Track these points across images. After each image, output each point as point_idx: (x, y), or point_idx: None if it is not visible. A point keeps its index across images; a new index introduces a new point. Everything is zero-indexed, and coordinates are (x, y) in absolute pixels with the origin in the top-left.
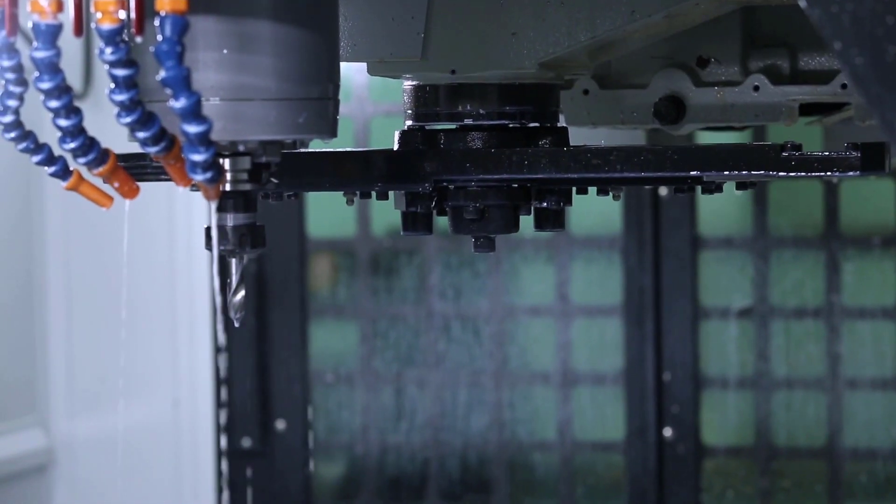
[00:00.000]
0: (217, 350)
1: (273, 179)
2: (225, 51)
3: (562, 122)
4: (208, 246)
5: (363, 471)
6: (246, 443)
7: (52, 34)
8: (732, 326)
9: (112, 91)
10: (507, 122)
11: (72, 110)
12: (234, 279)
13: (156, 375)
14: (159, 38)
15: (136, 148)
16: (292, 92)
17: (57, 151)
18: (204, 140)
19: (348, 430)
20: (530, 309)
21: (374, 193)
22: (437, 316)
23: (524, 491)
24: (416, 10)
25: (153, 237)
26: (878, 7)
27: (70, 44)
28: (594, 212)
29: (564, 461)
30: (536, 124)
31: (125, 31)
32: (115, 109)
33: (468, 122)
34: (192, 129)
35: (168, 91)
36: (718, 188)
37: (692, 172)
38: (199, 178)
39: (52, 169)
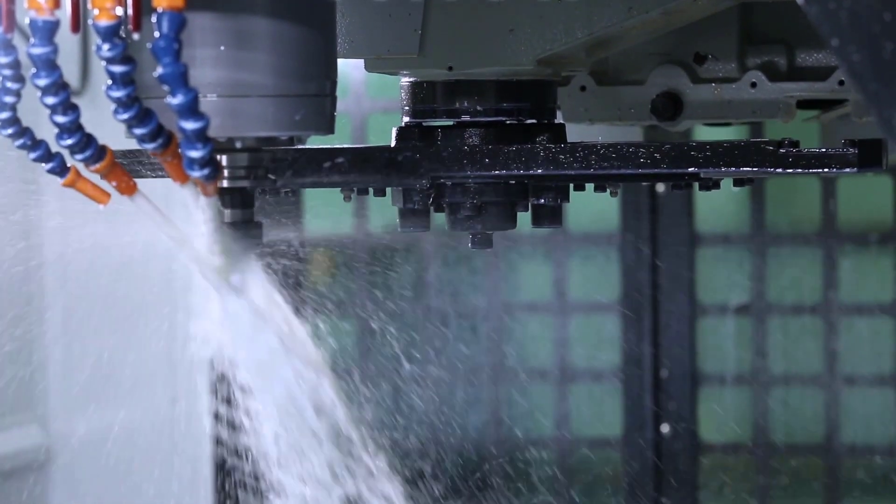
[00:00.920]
0: None
1: (270, 176)
2: (222, 47)
3: (559, 119)
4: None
5: None
6: None
7: (49, 31)
8: (730, 323)
9: (109, 87)
10: (504, 119)
11: (69, 107)
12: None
13: (153, 372)
14: (156, 34)
15: (133, 144)
16: (290, 88)
17: (54, 148)
18: (201, 136)
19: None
20: (528, 305)
21: (371, 190)
22: (434, 312)
23: (522, 487)
24: (414, 6)
25: (150, 234)
26: (876, 4)
27: (67, 40)
28: (591, 209)
29: (562, 457)
30: (534, 120)
31: (122, 27)
32: (113, 106)
33: (465, 118)
34: (190, 125)
35: (165, 87)
36: (716, 185)
37: (690, 169)
38: (196, 174)
39: (50, 165)
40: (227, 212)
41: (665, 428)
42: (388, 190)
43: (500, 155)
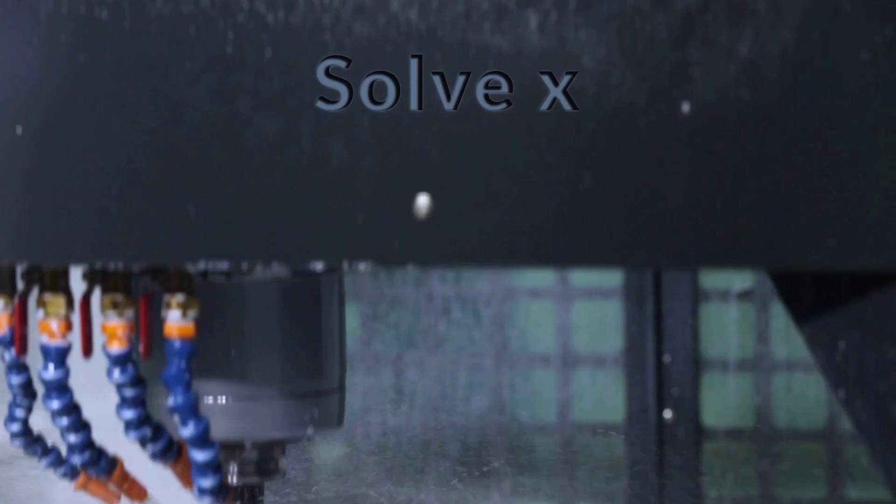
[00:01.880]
0: None
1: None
2: (232, 351)
3: None
4: None
5: (363, 453)
6: None
7: (60, 355)
8: (733, 308)
9: (120, 407)
10: None
11: (80, 426)
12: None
13: None
14: (168, 363)
15: None
16: (299, 390)
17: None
18: (212, 466)
19: (348, 412)
20: (530, 291)
21: None
22: (437, 298)
23: (524, 473)
24: None
25: None
26: (883, 364)
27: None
28: None
29: (564, 443)
30: None
31: (134, 352)
32: (123, 426)
33: None
34: (201, 456)
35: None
36: None
37: None
38: (207, 501)
39: (61, 471)
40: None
41: (668, 413)
42: None
43: None
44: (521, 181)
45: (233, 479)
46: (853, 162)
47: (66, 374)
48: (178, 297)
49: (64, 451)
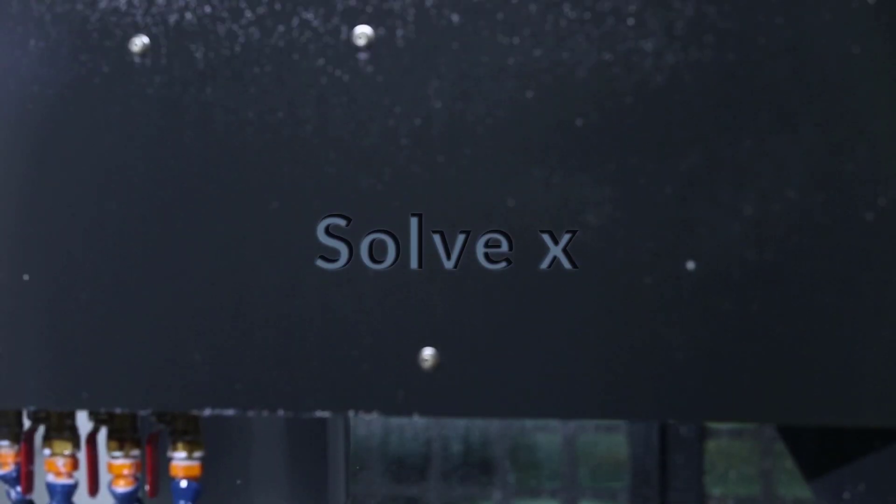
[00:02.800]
0: None
1: None
2: (238, 481)
3: None
4: None
5: (365, 451)
6: None
7: (66, 493)
8: None
9: None
10: None
11: None
12: None
13: None
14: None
15: None
16: None
17: None
18: None
19: None
20: None
21: None
22: None
23: (527, 472)
24: None
25: None
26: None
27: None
28: None
29: (567, 442)
30: None
31: (140, 490)
32: None
33: None
34: None
35: None
36: None
37: None
38: None
39: None
40: None
41: None
42: None
43: None
44: (525, 336)
45: None
46: (856, 321)
47: None
48: (185, 438)
49: None
